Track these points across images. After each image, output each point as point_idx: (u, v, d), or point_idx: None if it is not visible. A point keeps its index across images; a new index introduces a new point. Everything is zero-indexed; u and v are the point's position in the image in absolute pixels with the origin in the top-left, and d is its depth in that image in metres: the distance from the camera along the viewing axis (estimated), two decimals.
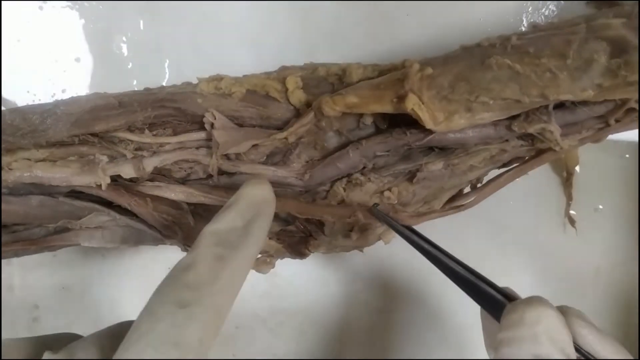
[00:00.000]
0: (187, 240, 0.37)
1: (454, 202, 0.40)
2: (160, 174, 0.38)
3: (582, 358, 0.28)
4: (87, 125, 0.35)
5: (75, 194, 0.37)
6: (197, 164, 0.37)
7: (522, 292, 0.32)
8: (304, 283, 0.47)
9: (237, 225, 0.28)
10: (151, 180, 0.37)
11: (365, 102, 0.34)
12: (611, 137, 0.36)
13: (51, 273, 0.46)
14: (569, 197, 0.45)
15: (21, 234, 0.39)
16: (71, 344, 0.28)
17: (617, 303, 0.46)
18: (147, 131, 0.36)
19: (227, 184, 0.37)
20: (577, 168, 0.46)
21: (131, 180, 0.37)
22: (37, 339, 0.30)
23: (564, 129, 0.35)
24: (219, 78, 0.36)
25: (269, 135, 0.35)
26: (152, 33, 0.43)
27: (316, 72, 0.37)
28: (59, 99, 0.37)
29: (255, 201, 0.29)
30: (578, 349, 0.28)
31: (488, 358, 0.44)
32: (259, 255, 0.38)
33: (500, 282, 0.31)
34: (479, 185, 0.39)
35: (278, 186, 0.37)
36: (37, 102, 0.43)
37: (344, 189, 0.36)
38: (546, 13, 0.43)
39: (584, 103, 0.33)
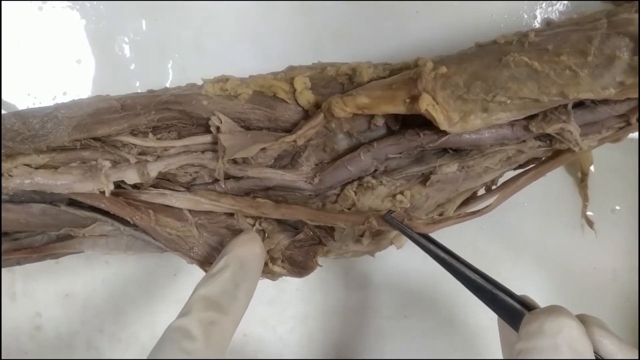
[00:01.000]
0: (191, 251, 0.36)
1: (468, 205, 0.38)
2: (165, 179, 0.37)
3: None
4: (89, 129, 0.34)
5: (77, 202, 0.36)
6: (203, 168, 0.36)
7: (538, 296, 0.31)
8: (313, 289, 0.46)
9: (228, 288, 0.31)
10: (155, 186, 0.36)
11: (376, 102, 0.33)
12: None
13: (54, 280, 0.45)
14: (585, 198, 0.44)
15: (23, 241, 0.38)
16: None
17: (635, 306, 0.45)
18: (150, 135, 0.35)
19: (235, 188, 0.36)
20: (592, 168, 0.45)
21: (135, 186, 0.36)
22: None
23: (584, 129, 0.33)
24: (224, 79, 0.35)
25: (277, 138, 0.34)
26: (155, 33, 0.42)
27: (325, 71, 0.36)
28: (60, 101, 0.36)
29: (246, 263, 0.32)
30: (599, 359, 0.27)
31: None
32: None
33: (515, 286, 0.31)
34: (493, 187, 0.38)
35: (286, 190, 0.36)
36: (37, 105, 0.42)
37: (355, 193, 0.35)
38: (561, 8, 0.41)
39: (605, 102, 0.32)
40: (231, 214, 0.37)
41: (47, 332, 0.46)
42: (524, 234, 0.45)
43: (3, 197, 0.35)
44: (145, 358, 0.28)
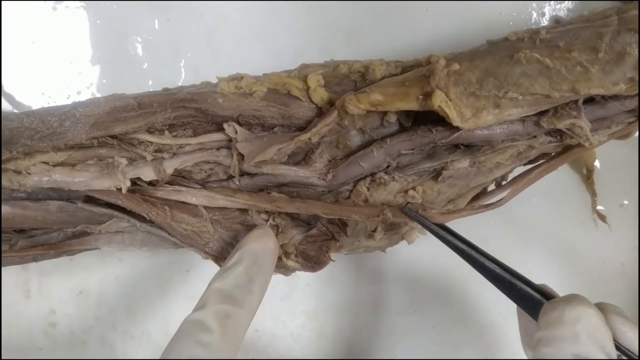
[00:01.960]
0: (206, 246, 0.36)
1: (479, 200, 0.39)
2: (180, 176, 0.37)
3: (623, 357, 0.27)
4: (106, 127, 0.34)
5: (93, 199, 0.36)
6: (218, 165, 0.36)
7: None
8: (324, 284, 0.46)
9: (242, 282, 0.31)
10: (170, 183, 0.37)
11: (390, 99, 0.33)
12: None
13: (68, 278, 0.46)
14: (594, 194, 0.45)
15: (39, 238, 0.38)
16: None
17: None
18: (167, 132, 0.36)
19: (249, 185, 0.36)
20: (597, 163, 0.45)
21: (150, 182, 0.36)
22: None
23: (594, 124, 0.34)
24: (239, 77, 0.35)
25: (292, 137, 0.35)
26: (168, 33, 0.43)
27: (338, 69, 0.36)
28: (75, 100, 0.36)
29: (260, 257, 0.33)
30: (618, 346, 0.27)
31: (514, 358, 0.43)
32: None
33: None
34: (503, 182, 0.39)
35: (300, 186, 0.36)
36: (52, 104, 0.43)
37: (368, 189, 0.36)
38: (570, 6, 0.42)
39: (615, 97, 0.33)
40: (245, 210, 0.37)
41: (62, 329, 0.46)
42: (533, 230, 0.46)
43: (20, 194, 0.36)
44: (163, 351, 0.29)
